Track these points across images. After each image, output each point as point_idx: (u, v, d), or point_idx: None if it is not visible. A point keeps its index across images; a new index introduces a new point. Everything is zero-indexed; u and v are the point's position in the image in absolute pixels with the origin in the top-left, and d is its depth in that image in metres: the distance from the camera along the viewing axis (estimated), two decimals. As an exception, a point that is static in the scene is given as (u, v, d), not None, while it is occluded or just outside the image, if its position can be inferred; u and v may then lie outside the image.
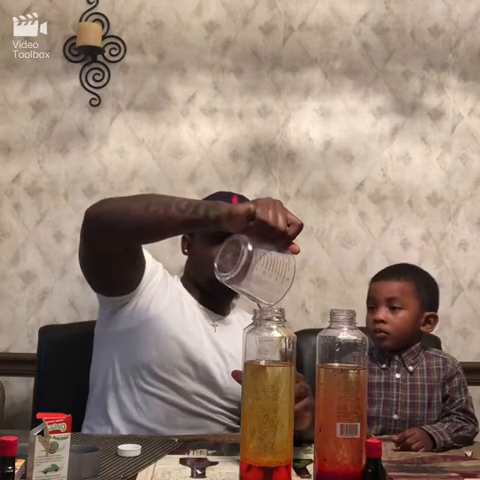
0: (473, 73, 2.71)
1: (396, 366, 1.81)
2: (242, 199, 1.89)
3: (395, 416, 1.76)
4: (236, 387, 1.73)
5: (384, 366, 1.81)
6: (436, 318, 1.88)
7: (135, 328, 1.75)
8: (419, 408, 1.77)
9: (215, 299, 1.87)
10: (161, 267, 1.91)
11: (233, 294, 1.87)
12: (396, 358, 1.82)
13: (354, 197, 2.67)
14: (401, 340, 1.82)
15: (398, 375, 1.80)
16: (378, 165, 2.68)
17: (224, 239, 1.74)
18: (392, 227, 2.67)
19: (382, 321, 1.81)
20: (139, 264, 1.77)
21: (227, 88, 2.65)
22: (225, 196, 1.90)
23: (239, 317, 1.95)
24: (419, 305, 1.84)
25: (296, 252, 1.34)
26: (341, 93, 2.68)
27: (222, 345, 1.82)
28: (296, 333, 1.15)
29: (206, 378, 1.76)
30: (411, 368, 1.81)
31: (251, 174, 2.65)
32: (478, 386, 2.50)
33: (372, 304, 1.86)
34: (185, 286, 1.92)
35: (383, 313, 1.81)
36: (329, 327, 1.14)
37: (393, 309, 1.82)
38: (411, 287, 1.85)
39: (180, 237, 2.01)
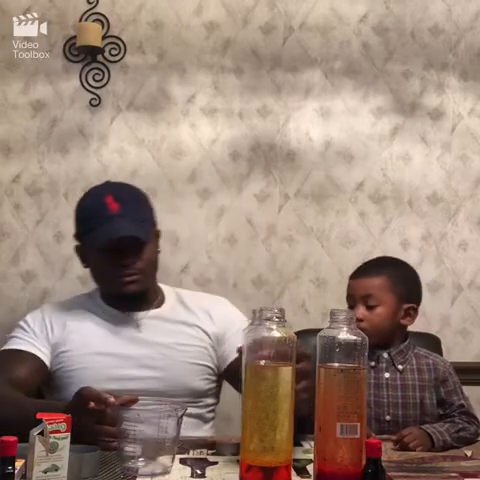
0: (473, 73, 2.71)
1: (385, 365, 1.80)
2: (119, 192, 1.75)
3: (388, 417, 1.75)
4: (177, 383, 1.68)
5: (373, 364, 1.80)
6: (416, 310, 1.87)
7: (60, 388, 1.73)
8: (411, 408, 1.77)
9: (130, 301, 1.78)
10: (37, 325, 1.77)
11: (148, 288, 1.79)
12: (385, 356, 1.81)
13: (354, 197, 2.67)
14: (381, 336, 1.80)
15: (387, 374, 1.79)
16: (378, 165, 2.68)
17: (113, 248, 1.68)
18: (392, 227, 2.67)
19: (360, 319, 1.80)
20: (41, 370, 1.72)
21: (227, 88, 2.65)
22: (98, 194, 1.76)
23: (173, 304, 1.84)
24: (396, 299, 1.84)
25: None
26: (341, 93, 2.68)
27: (152, 344, 1.74)
28: (296, 333, 1.15)
29: (145, 393, 1.61)
30: (400, 367, 1.80)
31: (251, 174, 2.65)
32: (478, 386, 2.50)
33: (351, 302, 1.86)
34: (102, 297, 1.83)
35: (360, 311, 1.81)
36: (329, 327, 1.14)
37: (369, 306, 1.82)
38: (386, 282, 1.84)
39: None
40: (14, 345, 1.73)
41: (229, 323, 1.82)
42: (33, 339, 1.73)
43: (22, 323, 1.78)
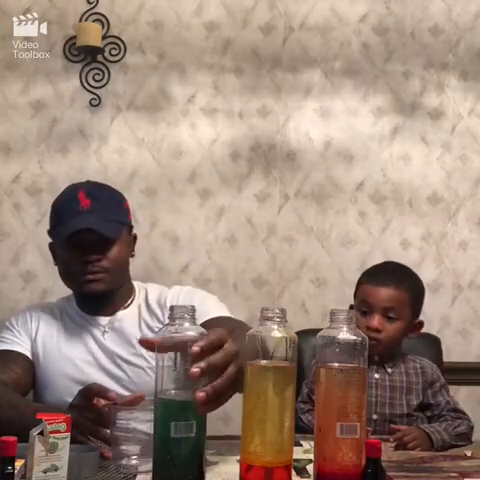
0: (473, 73, 2.71)
1: (375, 366, 1.80)
2: (93, 189, 1.72)
3: (374, 416, 1.75)
4: (150, 394, 1.59)
5: None
6: (423, 325, 1.87)
7: (38, 392, 1.72)
8: (398, 408, 1.77)
9: (96, 304, 1.73)
10: (19, 322, 1.76)
11: (114, 290, 1.72)
12: (375, 358, 1.80)
13: (354, 197, 2.67)
14: (391, 348, 1.81)
15: (377, 375, 1.80)
16: (378, 165, 2.68)
17: (79, 244, 1.64)
18: (392, 227, 2.67)
19: (377, 329, 1.77)
20: (29, 366, 1.70)
21: (227, 88, 2.65)
22: (72, 189, 1.74)
23: (140, 304, 1.77)
24: (411, 315, 1.83)
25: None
26: (341, 93, 2.68)
27: (115, 351, 1.70)
28: (296, 333, 1.14)
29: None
30: (390, 370, 1.81)
31: (251, 174, 2.65)
32: (478, 386, 2.50)
33: (366, 308, 1.80)
34: (75, 299, 1.78)
35: (379, 321, 1.77)
36: (329, 327, 1.14)
37: (388, 318, 1.78)
38: (408, 297, 1.81)
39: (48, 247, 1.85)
40: (3, 346, 1.72)
41: (189, 300, 1.68)
42: (19, 339, 1.72)
43: (8, 324, 1.77)
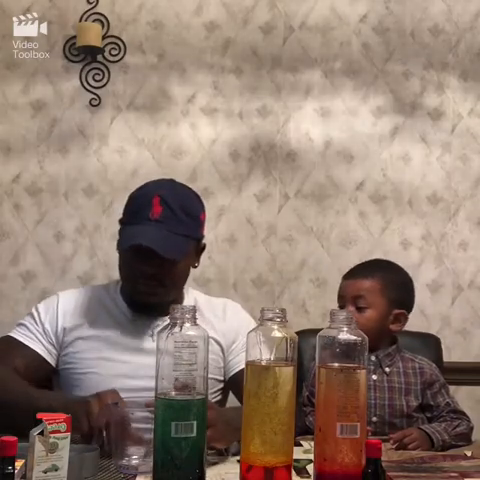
0: (473, 73, 2.71)
1: (372, 367, 1.79)
2: (169, 195, 1.67)
3: (374, 418, 1.74)
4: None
5: None
6: (406, 316, 1.85)
7: (67, 389, 1.68)
8: (397, 410, 1.76)
9: (148, 306, 1.68)
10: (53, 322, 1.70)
11: (168, 300, 1.65)
12: (372, 359, 1.79)
13: (354, 197, 2.67)
14: (368, 339, 1.78)
15: (375, 377, 1.78)
16: (378, 165, 2.68)
17: (142, 255, 1.59)
18: (392, 227, 2.67)
19: None
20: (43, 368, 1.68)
21: (227, 88, 2.65)
22: (150, 190, 1.69)
23: None
24: (386, 303, 1.81)
25: None
26: (341, 93, 2.68)
27: None
28: (296, 333, 1.15)
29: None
30: (387, 370, 1.79)
31: (251, 174, 2.65)
32: (478, 386, 2.50)
33: (341, 303, 1.84)
34: (121, 291, 1.73)
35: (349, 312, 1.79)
36: (329, 327, 1.14)
37: (359, 308, 1.80)
38: (378, 285, 1.81)
39: None
40: (20, 336, 1.68)
41: (239, 333, 1.72)
42: (40, 334, 1.68)
43: (34, 311, 1.72)
